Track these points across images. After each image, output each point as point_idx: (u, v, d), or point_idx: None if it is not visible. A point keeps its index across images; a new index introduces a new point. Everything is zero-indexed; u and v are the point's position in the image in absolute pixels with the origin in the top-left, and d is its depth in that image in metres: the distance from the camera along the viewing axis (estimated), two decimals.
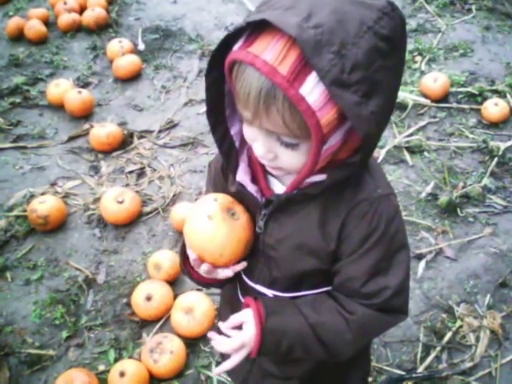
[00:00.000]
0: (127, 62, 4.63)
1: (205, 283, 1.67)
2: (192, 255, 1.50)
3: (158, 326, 2.99)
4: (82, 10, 5.32)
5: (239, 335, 1.44)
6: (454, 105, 4.30)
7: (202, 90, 4.49)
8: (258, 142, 1.26)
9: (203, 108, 4.35)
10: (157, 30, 5.24)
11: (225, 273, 1.53)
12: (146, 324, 3.01)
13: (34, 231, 3.48)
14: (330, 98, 1.11)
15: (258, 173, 1.45)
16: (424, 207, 3.55)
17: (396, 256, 1.41)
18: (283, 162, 1.27)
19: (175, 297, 3.03)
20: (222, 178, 1.61)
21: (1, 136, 4.18)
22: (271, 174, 1.44)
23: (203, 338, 2.91)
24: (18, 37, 5.11)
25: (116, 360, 2.86)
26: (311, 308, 1.44)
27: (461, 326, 2.96)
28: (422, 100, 4.31)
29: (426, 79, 4.36)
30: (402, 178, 3.72)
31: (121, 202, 3.43)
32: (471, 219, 3.48)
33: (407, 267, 1.44)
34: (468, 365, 2.80)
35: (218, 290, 1.61)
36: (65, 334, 2.98)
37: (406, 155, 3.90)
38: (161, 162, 3.97)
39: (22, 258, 3.34)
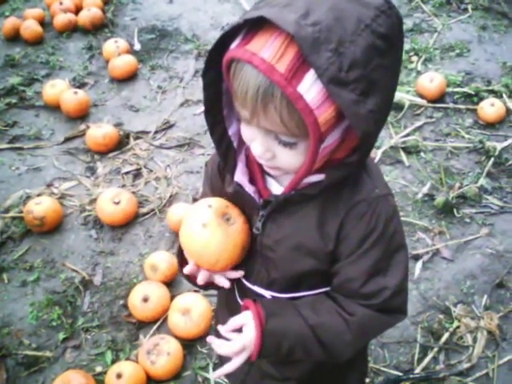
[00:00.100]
0: (123, 63, 4.63)
1: (202, 285, 1.67)
2: (189, 265, 1.52)
3: (154, 327, 2.99)
4: (77, 10, 5.31)
5: (240, 338, 1.44)
6: (451, 105, 4.31)
7: (198, 90, 4.51)
8: (256, 141, 1.25)
9: (199, 108, 4.34)
10: (153, 30, 5.24)
11: (221, 282, 1.54)
12: (142, 325, 3.01)
13: (31, 232, 3.47)
14: (327, 96, 1.11)
15: (256, 173, 1.44)
16: (420, 208, 3.55)
17: (395, 256, 1.41)
18: (281, 162, 1.27)
19: (172, 298, 3.03)
20: (218, 179, 1.61)
21: None
22: (269, 175, 1.43)
23: (200, 340, 2.91)
24: (14, 37, 5.10)
25: (113, 361, 2.85)
26: (311, 309, 1.44)
27: (458, 327, 2.96)
28: (419, 100, 4.31)
29: (423, 79, 4.36)
30: (399, 179, 3.72)
31: (117, 203, 3.42)
32: (468, 220, 3.48)
33: (406, 267, 1.44)
34: (465, 365, 2.81)
35: (215, 292, 1.61)
36: (62, 335, 2.97)
37: (403, 156, 3.90)
38: (157, 162, 3.96)
39: (19, 260, 3.33)
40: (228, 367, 1.47)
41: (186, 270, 1.54)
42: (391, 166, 3.82)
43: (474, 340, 2.92)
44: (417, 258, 3.26)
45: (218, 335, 1.50)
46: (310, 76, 1.09)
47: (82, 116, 4.30)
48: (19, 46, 5.05)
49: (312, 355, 1.47)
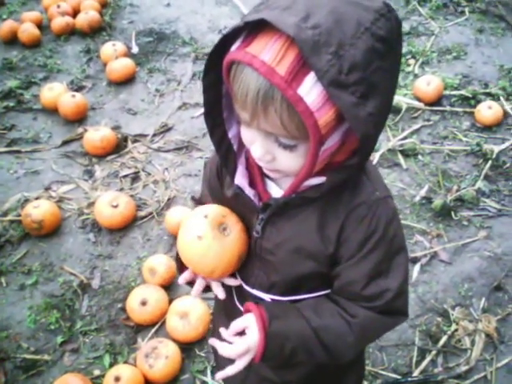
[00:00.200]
0: (121, 66, 4.63)
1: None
2: (186, 273, 1.56)
3: (153, 330, 2.99)
4: (75, 13, 5.30)
5: (243, 340, 1.43)
6: (448, 108, 4.31)
7: (196, 93, 4.51)
8: (255, 143, 1.25)
9: (197, 111, 4.35)
10: (150, 33, 5.24)
11: (218, 292, 1.55)
12: (141, 329, 3.01)
13: (29, 236, 3.47)
14: (328, 98, 1.11)
15: (256, 176, 1.45)
16: (418, 211, 3.56)
17: (395, 258, 1.41)
18: (281, 164, 1.27)
19: (170, 301, 3.03)
20: (217, 182, 1.61)
21: None
22: (269, 178, 1.44)
23: (198, 343, 2.91)
24: (12, 40, 5.09)
25: (111, 365, 2.85)
26: (313, 311, 1.44)
27: (456, 330, 2.97)
28: (416, 103, 4.32)
29: (420, 82, 4.36)
30: (396, 182, 3.73)
31: (115, 207, 3.42)
32: (465, 223, 3.49)
33: (406, 269, 1.45)
34: (463, 368, 2.81)
35: (213, 295, 1.62)
36: (60, 338, 2.97)
37: (400, 158, 3.90)
38: (155, 165, 3.96)
39: (17, 263, 3.32)
40: (231, 369, 1.47)
41: (182, 279, 1.57)
42: (389, 168, 3.83)
43: (472, 343, 2.92)
44: (415, 260, 3.26)
45: (219, 339, 1.50)
46: (310, 79, 1.09)
47: (79, 119, 4.30)
48: (17, 49, 5.05)
49: (314, 357, 1.47)
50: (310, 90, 1.10)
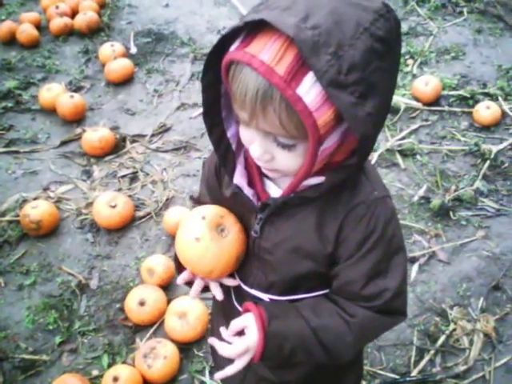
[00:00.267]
0: (119, 66, 4.63)
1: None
2: (184, 273, 1.57)
3: (151, 330, 2.99)
4: (73, 13, 5.31)
5: (243, 340, 1.44)
6: (446, 108, 4.31)
7: (194, 93, 4.51)
8: (254, 143, 1.25)
9: (196, 112, 4.35)
10: (149, 33, 5.24)
11: (216, 293, 1.55)
12: (139, 329, 3.01)
13: (27, 236, 3.47)
14: (326, 98, 1.11)
15: (254, 175, 1.45)
16: (417, 210, 3.56)
17: (394, 258, 1.41)
18: (280, 164, 1.27)
19: (168, 301, 3.03)
20: (215, 182, 1.61)
21: None
22: (267, 177, 1.44)
23: (197, 343, 2.91)
24: (10, 41, 5.09)
25: (109, 365, 2.85)
26: (312, 311, 1.45)
27: (454, 330, 2.97)
28: (414, 103, 4.32)
29: (418, 82, 4.37)
30: (395, 182, 3.73)
31: (113, 207, 3.42)
32: (464, 222, 3.49)
33: (405, 269, 1.45)
34: (462, 368, 2.81)
35: (211, 295, 1.62)
36: (58, 339, 2.97)
37: (399, 158, 3.91)
38: (153, 166, 3.96)
39: (15, 263, 3.32)
40: (230, 369, 1.47)
41: (180, 279, 1.58)
42: (387, 168, 3.83)
43: (471, 342, 2.92)
44: (413, 260, 3.26)
45: (219, 338, 1.50)
46: (309, 78, 1.09)
47: (78, 120, 4.30)
48: (15, 50, 5.05)
49: (313, 357, 1.47)
50: (309, 90, 1.10)
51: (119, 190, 3.76)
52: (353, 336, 1.43)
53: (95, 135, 3.97)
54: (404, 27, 5.12)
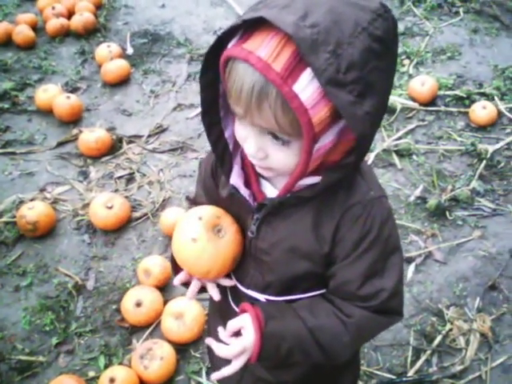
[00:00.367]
0: (116, 67, 4.63)
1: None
2: (181, 274, 1.57)
3: (148, 331, 2.98)
4: (70, 14, 5.30)
5: (240, 341, 1.44)
6: (442, 108, 4.32)
7: (191, 94, 4.51)
8: (249, 140, 1.26)
9: (192, 112, 4.35)
10: (145, 34, 5.24)
11: (213, 293, 1.55)
12: (135, 330, 3.01)
13: (24, 237, 3.46)
14: (322, 96, 1.12)
15: (251, 176, 1.45)
16: (413, 210, 3.56)
17: (390, 258, 1.42)
18: (274, 162, 1.27)
19: (165, 302, 3.02)
20: (212, 182, 1.62)
21: None
22: (263, 178, 1.44)
23: (193, 344, 2.91)
24: (6, 42, 5.08)
25: (106, 366, 2.84)
26: (309, 312, 1.45)
27: (451, 330, 2.97)
28: (411, 103, 4.33)
29: (414, 83, 4.37)
30: (391, 182, 3.74)
31: (110, 208, 3.42)
32: (460, 222, 3.49)
33: (401, 269, 1.45)
34: (458, 368, 2.81)
35: (208, 296, 1.62)
36: (55, 340, 2.96)
37: (395, 159, 3.91)
38: (150, 166, 3.96)
39: (12, 265, 3.32)
40: (227, 370, 1.47)
41: (177, 280, 1.58)
42: (384, 168, 3.84)
43: (467, 342, 2.92)
44: (409, 260, 3.26)
45: (215, 339, 1.50)
46: (306, 76, 1.10)
47: (74, 120, 4.30)
48: (11, 51, 5.04)
49: (310, 357, 1.47)
50: (306, 87, 1.10)
51: (116, 190, 3.75)
52: (349, 336, 1.43)
53: (92, 136, 3.96)
54: (400, 27, 5.12)
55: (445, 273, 3.22)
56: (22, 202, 3.64)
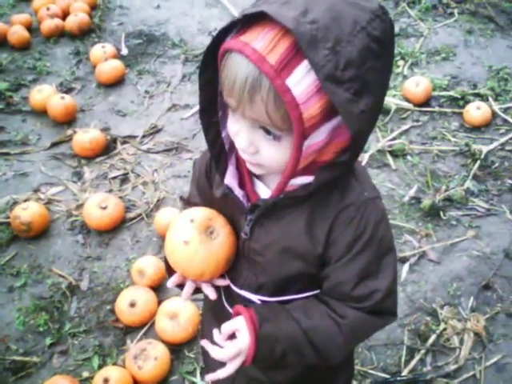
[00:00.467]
0: (110, 67, 4.62)
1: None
2: (174, 277, 1.56)
3: (142, 332, 2.98)
4: (64, 15, 5.30)
5: (235, 343, 1.43)
6: (437, 109, 4.33)
7: (185, 95, 4.52)
8: (241, 133, 1.26)
9: (187, 113, 4.35)
10: (140, 34, 5.24)
11: (208, 292, 1.55)
12: (130, 330, 3.00)
13: (18, 238, 3.46)
14: (315, 92, 1.12)
15: (245, 176, 1.45)
16: (407, 211, 3.57)
17: (384, 259, 1.42)
18: (264, 157, 1.27)
19: (159, 303, 3.02)
20: (206, 182, 1.61)
21: None
22: (257, 178, 1.44)
23: (188, 344, 2.91)
24: (1, 42, 5.08)
25: (100, 367, 2.84)
26: (303, 313, 1.45)
27: (445, 329, 2.97)
28: (405, 104, 4.33)
29: (409, 83, 4.38)
30: (386, 182, 3.74)
31: (104, 208, 3.41)
32: (454, 222, 3.50)
33: (395, 270, 1.45)
34: (452, 367, 2.81)
35: (202, 296, 1.62)
36: (49, 340, 2.96)
37: (389, 159, 3.91)
38: (144, 167, 3.96)
39: (6, 265, 3.31)
40: (222, 372, 1.47)
41: (170, 282, 1.58)
42: (378, 169, 3.84)
43: (461, 342, 2.93)
44: (404, 260, 3.27)
45: (210, 341, 1.50)
46: (300, 71, 1.10)
47: (68, 121, 4.29)
48: (6, 52, 5.03)
49: (304, 358, 1.47)
50: (299, 82, 1.11)
51: (110, 191, 3.75)
52: (343, 337, 1.43)
53: (86, 136, 3.96)
54: (395, 28, 5.10)
55: (439, 272, 3.23)
56: (15, 203, 3.64)
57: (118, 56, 4.88)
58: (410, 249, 3.34)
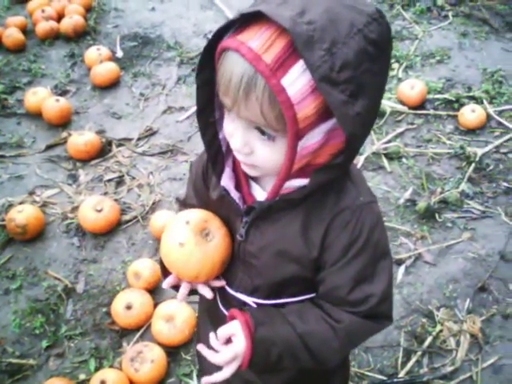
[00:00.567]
0: (105, 70, 4.62)
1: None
2: (169, 278, 1.56)
3: (138, 334, 2.98)
4: (59, 17, 5.29)
5: (231, 348, 1.44)
6: (431, 111, 4.34)
7: (180, 97, 4.52)
8: (236, 134, 1.26)
9: (182, 115, 4.35)
10: (135, 37, 5.23)
11: (205, 293, 1.54)
12: (126, 333, 3.00)
13: (13, 240, 3.45)
14: (310, 93, 1.13)
15: (241, 178, 1.45)
16: (403, 213, 3.57)
17: (379, 263, 1.42)
18: (259, 158, 1.27)
19: (155, 305, 3.02)
20: (202, 185, 1.62)
21: None
22: (254, 180, 1.44)
23: (184, 346, 2.91)
24: None
25: (96, 369, 2.83)
26: (298, 317, 1.45)
27: (441, 331, 2.98)
28: (400, 107, 4.34)
29: (403, 86, 4.38)
30: (381, 185, 3.75)
31: (99, 211, 3.40)
32: (449, 224, 3.50)
33: (390, 274, 1.45)
34: (449, 369, 2.82)
35: (197, 298, 1.62)
36: (45, 343, 2.95)
37: (385, 162, 3.92)
38: (140, 169, 3.95)
39: (1, 268, 3.30)
40: (219, 376, 1.47)
41: (166, 284, 1.57)
42: (373, 171, 3.84)
43: (458, 343, 2.93)
44: (399, 262, 3.27)
45: (207, 345, 1.50)
46: (295, 71, 1.11)
47: (63, 123, 4.28)
48: (1, 54, 5.02)
49: (300, 362, 1.47)
50: (294, 82, 1.11)
51: (105, 193, 3.75)
52: (339, 341, 1.44)
53: (81, 139, 3.95)
54: None
55: (435, 274, 3.23)
56: (11, 206, 3.63)
57: (113, 58, 4.87)
58: (405, 251, 3.35)
